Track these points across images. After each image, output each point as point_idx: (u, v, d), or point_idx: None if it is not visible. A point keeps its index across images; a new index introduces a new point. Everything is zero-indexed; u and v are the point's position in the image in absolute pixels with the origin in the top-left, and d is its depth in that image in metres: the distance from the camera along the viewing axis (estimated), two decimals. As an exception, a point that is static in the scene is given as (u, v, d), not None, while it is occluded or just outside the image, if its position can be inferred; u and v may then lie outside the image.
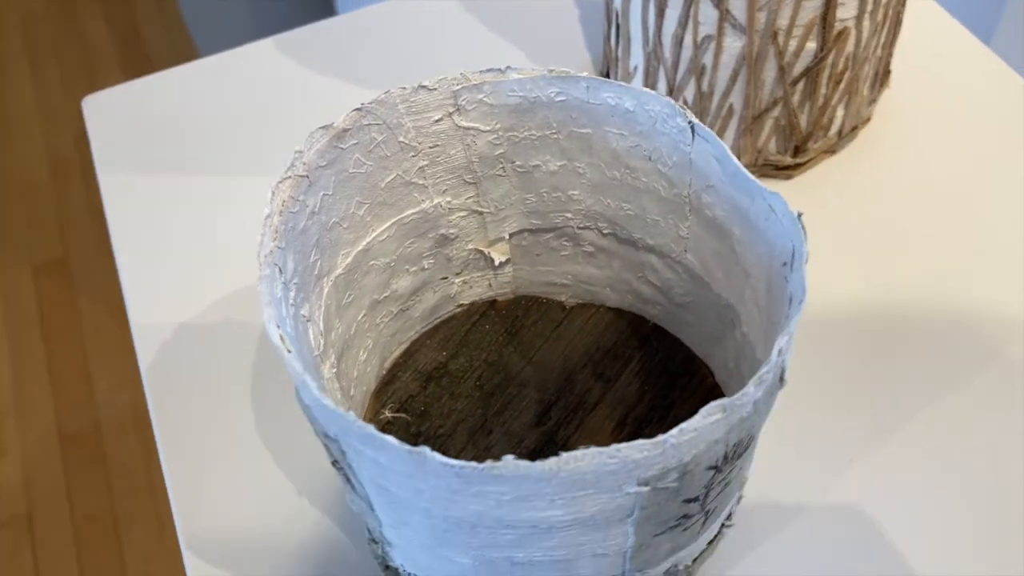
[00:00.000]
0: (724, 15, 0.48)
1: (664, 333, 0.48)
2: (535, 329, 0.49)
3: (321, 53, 0.65)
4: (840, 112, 0.54)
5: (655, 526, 0.33)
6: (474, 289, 0.48)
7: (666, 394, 0.46)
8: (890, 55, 0.55)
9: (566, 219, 0.44)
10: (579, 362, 0.47)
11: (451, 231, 0.44)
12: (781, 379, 0.32)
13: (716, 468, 0.32)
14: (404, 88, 0.38)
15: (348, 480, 0.36)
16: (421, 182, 0.41)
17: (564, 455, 0.28)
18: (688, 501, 0.33)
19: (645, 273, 0.45)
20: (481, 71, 0.38)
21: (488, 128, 0.40)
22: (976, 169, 0.56)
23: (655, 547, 0.35)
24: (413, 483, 0.31)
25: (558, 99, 0.39)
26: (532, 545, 0.33)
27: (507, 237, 0.45)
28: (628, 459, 0.29)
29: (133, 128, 0.62)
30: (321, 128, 0.36)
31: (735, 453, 0.32)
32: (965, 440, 0.46)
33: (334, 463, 0.37)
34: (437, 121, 0.39)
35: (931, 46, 0.63)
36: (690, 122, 0.36)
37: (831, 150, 0.56)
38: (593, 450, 0.28)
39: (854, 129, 0.56)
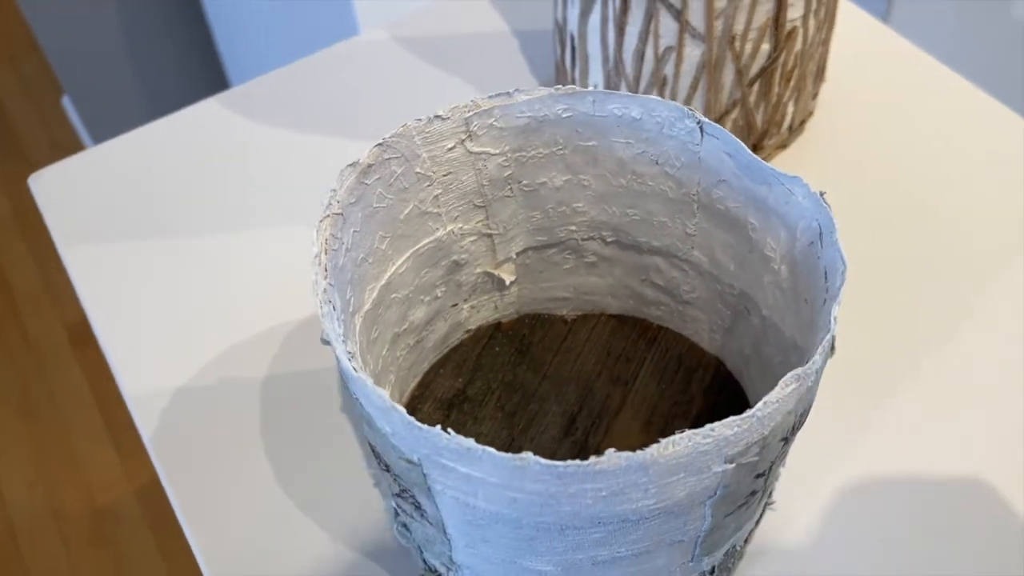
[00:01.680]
0: (684, 26, 0.51)
1: (670, 333, 0.50)
2: (543, 345, 0.50)
3: (255, 111, 0.66)
4: (791, 108, 0.57)
5: (728, 505, 0.35)
6: (481, 313, 0.49)
7: (684, 389, 0.48)
8: (827, 51, 0.59)
9: (570, 232, 0.46)
10: (593, 371, 0.49)
11: (462, 256, 0.45)
12: (832, 347, 0.34)
13: (785, 440, 0.34)
14: (419, 120, 0.39)
15: (417, 507, 0.36)
16: (435, 211, 0.42)
17: (662, 441, 0.30)
18: (758, 476, 0.35)
19: (649, 275, 0.47)
20: (490, 96, 0.39)
21: (498, 151, 0.41)
22: (912, 150, 0.61)
23: (723, 528, 0.37)
24: (507, 493, 0.31)
25: (565, 115, 0.40)
26: (618, 541, 0.34)
27: (514, 257, 0.46)
28: (721, 437, 0.30)
29: (85, 201, 0.61)
30: (349, 165, 0.37)
31: (799, 423, 0.34)
32: (939, 413, 0.49)
33: (400, 494, 0.37)
34: (450, 149, 0.40)
35: (851, 39, 0.67)
36: (699, 122, 0.38)
37: (783, 145, 0.59)
38: (688, 432, 0.30)
39: (802, 123, 0.60)
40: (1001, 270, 0.54)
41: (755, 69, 0.53)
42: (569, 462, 0.29)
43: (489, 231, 0.45)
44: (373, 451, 0.37)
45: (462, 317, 0.48)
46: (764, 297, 0.41)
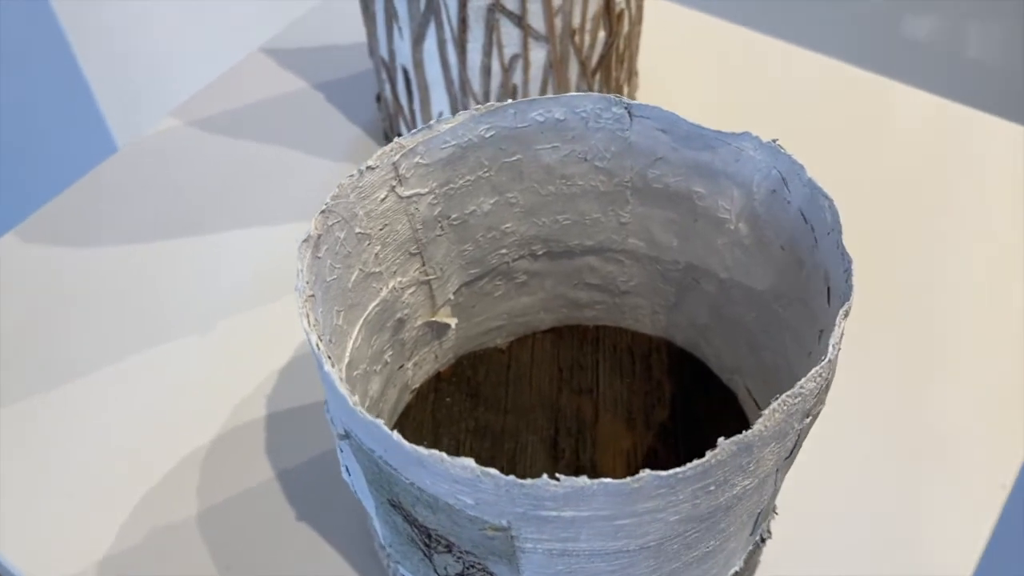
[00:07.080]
0: (527, 30, 0.50)
1: (608, 328, 0.49)
2: (490, 381, 0.48)
3: (60, 237, 0.58)
4: (626, 89, 0.59)
5: (788, 464, 0.35)
6: (423, 368, 0.46)
7: (648, 376, 0.47)
8: (641, 29, 0.60)
9: (501, 257, 0.44)
10: (552, 389, 0.47)
11: (404, 312, 0.42)
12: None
13: (831, 381, 0.34)
14: (352, 175, 0.36)
15: (488, 580, 0.33)
16: (377, 269, 0.39)
17: (763, 414, 0.29)
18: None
19: (583, 277, 0.46)
20: (413, 133, 0.37)
21: (426, 190, 0.39)
22: (729, 97, 0.64)
23: (773, 495, 0.36)
24: (615, 523, 0.29)
25: (488, 135, 0.39)
26: (709, 534, 0.33)
27: (451, 298, 0.44)
28: (808, 392, 0.30)
29: None
30: (304, 242, 0.33)
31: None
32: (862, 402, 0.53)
33: (462, 573, 0.34)
34: (383, 200, 0.37)
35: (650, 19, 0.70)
36: (627, 107, 0.38)
37: (624, 127, 0.61)
38: (781, 398, 0.29)
39: (633, 102, 0.61)
40: (870, 197, 0.58)
41: (596, 59, 0.54)
42: (687, 466, 0.28)
43: (427, 277, 0.42)
44: (425, 538, 0.33)
45: (408, 377, 0.45)
46: (720, 260, 0.41)
